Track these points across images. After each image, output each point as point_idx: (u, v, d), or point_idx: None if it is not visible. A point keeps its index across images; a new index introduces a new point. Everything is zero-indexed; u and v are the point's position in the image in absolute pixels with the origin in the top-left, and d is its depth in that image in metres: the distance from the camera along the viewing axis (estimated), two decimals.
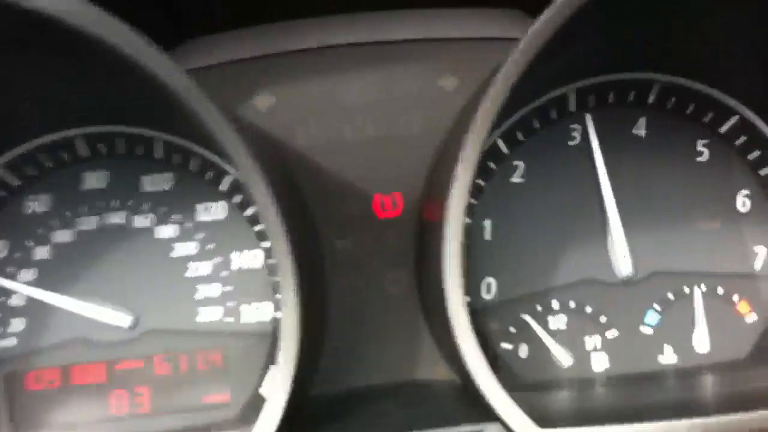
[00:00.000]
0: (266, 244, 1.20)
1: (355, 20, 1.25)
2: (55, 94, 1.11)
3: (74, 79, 1.05)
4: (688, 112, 1.23)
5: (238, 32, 1.23)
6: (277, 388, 0.93)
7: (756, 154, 1.22)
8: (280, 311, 0.97)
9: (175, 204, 1.21)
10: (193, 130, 1.04)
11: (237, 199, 1.21)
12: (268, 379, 1.16)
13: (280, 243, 0.92)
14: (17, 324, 1.19)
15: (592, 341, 1.20)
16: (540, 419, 0.94)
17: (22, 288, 1.19)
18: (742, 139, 1.22)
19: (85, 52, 0.91)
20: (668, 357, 1.20)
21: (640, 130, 1.23)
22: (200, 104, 0.89)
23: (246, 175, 0.92)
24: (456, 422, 0.98)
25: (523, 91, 1.00)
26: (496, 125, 1.18)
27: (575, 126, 1.23)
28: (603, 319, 1.20)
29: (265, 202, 0.92)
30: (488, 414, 0.96)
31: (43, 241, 1.20)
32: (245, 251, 1.21)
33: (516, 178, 1.22)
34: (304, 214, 1.16)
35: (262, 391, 1.17)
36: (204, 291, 1.20)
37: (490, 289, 1.21)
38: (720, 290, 1.20)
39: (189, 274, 1.21)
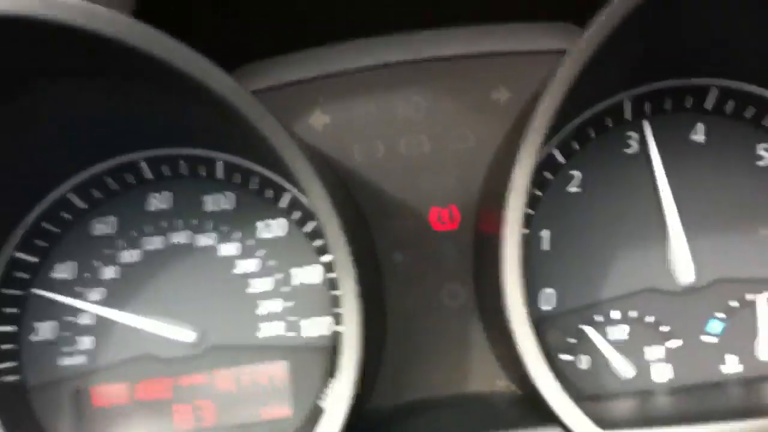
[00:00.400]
0: (325, 259, 1.21)
1: (406, 39, 1.27)
2: (122, 118, 1.15)
3: (141, 104, 1.09)
4: (747, 116, 1.21)
5: (291, 55, 1.26)
6: (336, 400, 0.94)
7: None
8: (340, 325, 0.98)
9: (236, 222, 1.24)
10: (253, 150, 1.08)
11: (296, 215, 1.23)
12: (328, 392, 1.17)
13: (341, 256, 0.94)
14: (86, 342, 1.23)
15: (653, 351, 1.19)
16: (601, 422, 0.94)
17: (90, 307, 1.22)
18: None
19: (154, 77, 0.94)
20: (731, 366, 1.18)
21: (699, 135, 1.22)
22: (265, 123, 0.92)
23: (308, 190, 0.94)
24: (515, 427, 0.99)
25: (578, 99, 1.01)
26: (551, 135, 1.19)
27: (631, 134, 1.22)
28: (664, 328, 1.18)
29: (327, 216, 0.94)
30: (548, 419, 0.96)
31: (110, 261, 1.24)
32: (305, 267, 1.23)
33: (573, 188, 1.22)
34: (362, 229, 1.18)
35: (323, 404, 1.18)
36: (265, 306, 1.23)
37: (549, 300, 1.21)
38: None
39: (251, 290, 1.23)
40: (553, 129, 0.97)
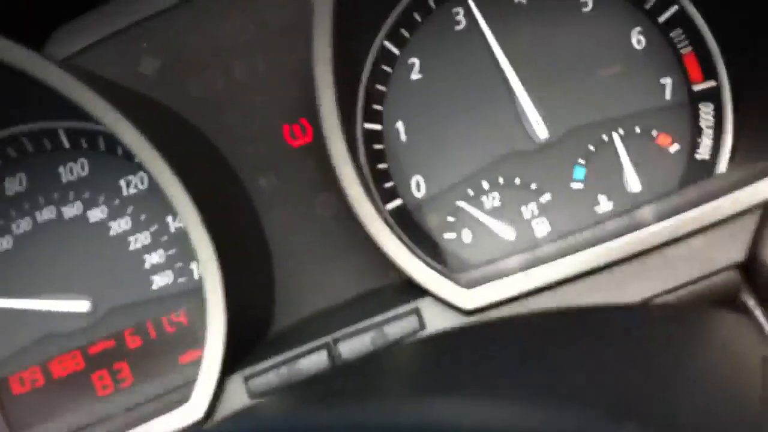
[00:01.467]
0: None
1: None
2: None
3: None
4: None
5: (103, 7, 1.22)
6: (211, 343, 0.97)
7: None
8: None
9: (97, 186, 1.24)
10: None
11: None
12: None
13: (180, 204, 0.95)
14: None
15: (528, 210, 1.21)
16: (470, 283, 0.97)
17: None
18: None
19: None
20: (604, 205, 1.20)
21: None
22: (73, 90, 0.90)
23: (134, 149, 0.93)
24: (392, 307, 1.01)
25: None
26: (374, 28, 1.18)
27: (457, 9, 1.21)
28: (534, 186, 1.21)
29: (153, 164, 0.94)
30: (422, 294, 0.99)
31: None
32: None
33: (414, 75, 1.22)
34: (210, 165, 1.18)
35: None
36: (150, 259, 1.24)
37: (419, 186, 1.22)
38: (637, 129, 1.20)
39: (131, 247, 1.23)
40: (368, 20, 0.96)
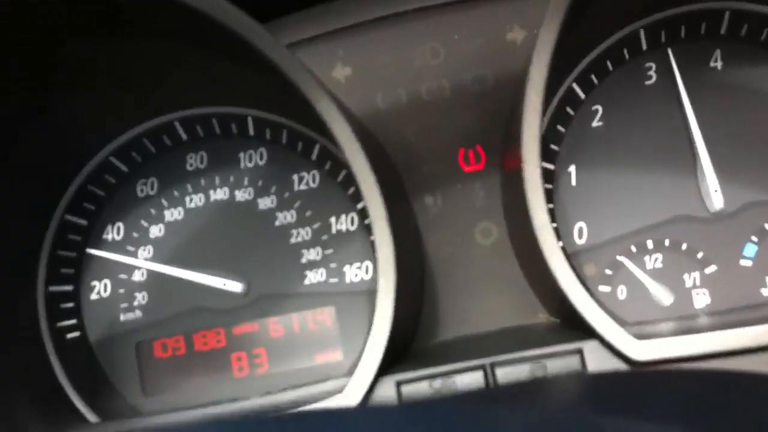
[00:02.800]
0: (360, 206, 1.25)
1: None
2: (152, 79, 1.19)
3: (170, 64, 1.13)
4: (762, 38, 1.19)
5: (310, 10, 1.27)
6: (374, 341, 0.97)
7: None
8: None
9: (271, 177, 1.29)
10: (282, 104, 1.10)
11: (327, 166, 1.27)
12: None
13: (374, 202, 0.97)
14: (140, 298, 1.30)
15: (691, 278, 1.19)
16: (638, 336, 0.95)
17: (142, 263, 1.30)
18: None
19: (190, 32, 0.99)
20: None
21: (717, 62, 1.20)
22: (300, 76, 0.94)
23: (340, 138, 0.96)
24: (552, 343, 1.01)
25: (586, 31, 1.00)
26: (567, 69, 1.19)
27: (650, 64, 1.21)
28: (700, 255, 1.19)
29: (358, 163, 0.97)
30: (587, 336, 0.98)
31: (156, 220, 1.31)
32: (342, 215, 1.27)
33: (595, 123, 1.22)
34: (392, 175, 1.20)
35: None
36: (307, 255, 1.27)
37: (582, 233, 1.22)
38: None
39: (292, 240, 1.28)
40: (563, 62, 0.97)
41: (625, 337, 0.93)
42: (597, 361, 0.95)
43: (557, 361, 0.95)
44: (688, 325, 1.11)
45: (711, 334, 0.92)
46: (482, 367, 0.97)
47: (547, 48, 0.95)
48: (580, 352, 0.96)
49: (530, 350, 0.97)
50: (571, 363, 0.95)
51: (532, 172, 0.96)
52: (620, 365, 0.93)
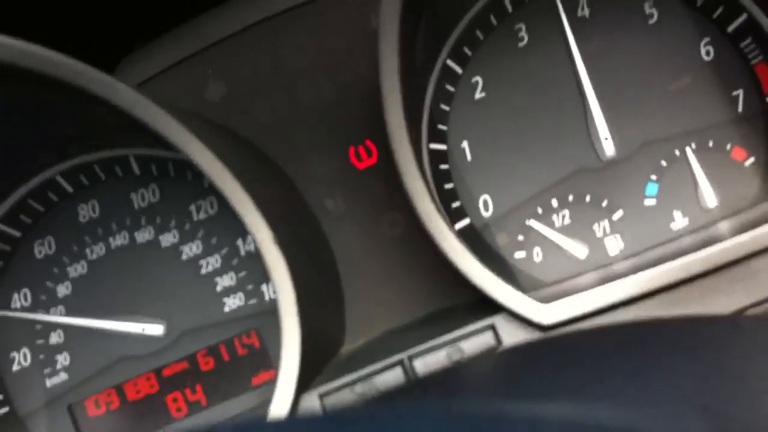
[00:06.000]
0: None
1: None
2: (21, 138, 1.16)
3: (37, 118, 1.09)
4: None
5: (168, 35, 1.25)
6: (287, 361, 0.96)
7: None
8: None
9: (168, 211, 1.26)
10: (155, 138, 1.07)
11: None
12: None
13: (254, 223, 0.95)
14: (63, 359, 1.26)
15: (600, 228, 1.20)
16: (548, 298, 0.96)
17: (58, 321, 1.26)
18: None
19: (40, 91, 0.95)
20: (679, 222, 1.18)
21: (585, 10, 1.20)
22: (145, 111, 0.92)
23: (204, 168, 0.94)
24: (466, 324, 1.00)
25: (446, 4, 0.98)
26: (437, 46, 1.18)
27: (519, 26, 1.21)
28: (605, 203, 1.19)
29: (229, 188, 0.94)
30: (496, 310, 0.98)
31: (61, 278, 1.27)
32: (247, 236, 1.24)
33: (478, 94, 1.22)
34: (281, 189, 1.19)
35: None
36: (222, 282, 1.25)
37: (487, 205, 1.22)
38: (710, 143, 1.17)
39: (203, 271, 1.25)
40: (431, 39, 0.95)
41: (530, 304, 0.93)
42: (510, 333, 0.94)
43: (472, 341, 0.94)
44: (605, 274, 1.12)
45: (614, 284, 0.93)
46: (401, 363, 0.96)
47: (392, 27, 0.93)
48: (492, 327, 0.95)
49: (446, 335, 0.97)
50: (486, 340, 0.94)
51: (404, 158, 0.95)
52: (533, 333, 0.93)
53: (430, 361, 0.95)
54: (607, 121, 1.17)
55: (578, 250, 1.20)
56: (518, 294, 0.94)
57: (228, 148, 1.01)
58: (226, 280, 1.25)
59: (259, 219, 0.94)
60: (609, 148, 1.17)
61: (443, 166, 1.22)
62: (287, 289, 0.94)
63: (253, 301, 1.25)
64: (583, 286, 1.04)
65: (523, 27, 1.21)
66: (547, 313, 0.92)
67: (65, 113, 1.07)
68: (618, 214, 1.19)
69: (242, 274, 1.25)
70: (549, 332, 0.94)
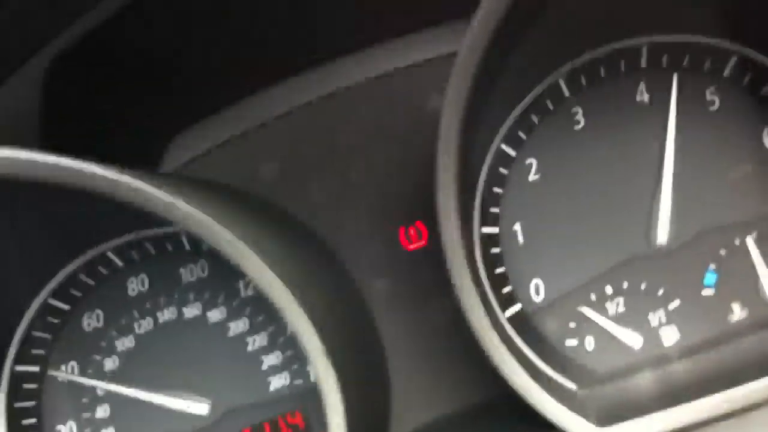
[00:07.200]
0: None
1: (330, 69, 1.26)
2: (77, 216, 1.17)
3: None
4: (685, 65, 1.17)
5: (223, 114, 1.27)
6: None
7: None
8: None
9: (217, 287, 1.26)
10: None
11: None
12: None
13: (297, 320, 0.93)
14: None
15: (656, 317, 1.15)
16: (604, 417, 0.92)
17: (105, 391, 1.25)
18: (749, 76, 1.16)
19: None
20: (738, 313, 1.13)
21: (644, 95, 1.18)
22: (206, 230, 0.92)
23: (265, 290, 0.93)
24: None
25: (502, 91, 0.98)
26: (492, 132, 1.17)
27: (576, 109, 1.19)
28: (661, 291, 1.15)
29: (289, 312, 0.93)
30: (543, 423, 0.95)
31: (108, 352, 1.26)
32: None
33: (532, 177, 1.19)
34: (328, 267, 1.18)
35: None
36: (267, 361, 1.24)
37: (539, 290, 1.19)
38: None
39: (249, 348, 1.24)
40: (486, 125, 0.94)
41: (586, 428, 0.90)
42: None
43: None
44: (663, 376, 1.09)
45: (675, 410, 0.89)
46: None
47: (453, 111, 0.91)
48: None
49: None
50: None
51: (452, 248, 0.92)
52: None
53: None
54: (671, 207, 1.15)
55: (633, 339, 1.16)
56: (570, 414, 0.91)
57: (281, 245, 1.00)
58: (272, 359, 1.24)
59: (312, 333, 0.93)
60: (666, 235, 1.14)
61: (495, 250, 1.19)
62: (330, 378, 0.92)
63: (298, 381, 1.23)
64: (640, 389, 1.02)
65: (580, 111, 1.19)
66: None
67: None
68: (674, 304, 1.15)
69: (288, 353, 1.23)
70: None
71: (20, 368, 1.25)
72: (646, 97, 1.18)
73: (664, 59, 1.17)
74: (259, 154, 1.25)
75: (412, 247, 1.22)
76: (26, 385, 1.26)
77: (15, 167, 0.89)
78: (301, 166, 1.25)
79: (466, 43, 0.89)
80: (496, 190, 1.20)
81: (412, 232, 1.22)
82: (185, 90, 1.20)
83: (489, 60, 0.90)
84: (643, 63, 1.18)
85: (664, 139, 1.16)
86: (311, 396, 1.22)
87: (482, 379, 1.19)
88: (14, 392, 1.25)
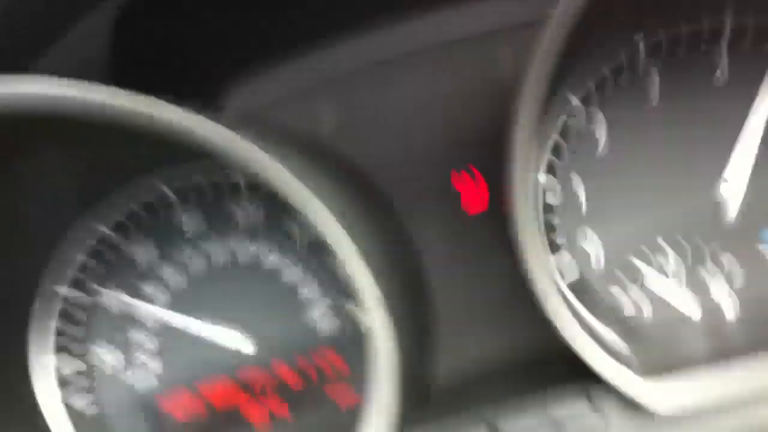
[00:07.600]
0: None
1: (401, 29, 1.25)
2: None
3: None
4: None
5: (290, 64, 1.26)
6: (377, 383, 0.98)
7: None
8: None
9: (272, 231, 1.26)
10: None
11: None
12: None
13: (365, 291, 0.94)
14: (152, 364, 1.28)
15: (718, 288, 1.17)
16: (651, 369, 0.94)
17: (156, 311, 1.27)
18: None
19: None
20: None
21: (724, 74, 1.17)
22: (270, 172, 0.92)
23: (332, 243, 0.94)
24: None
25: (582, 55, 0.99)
26: (564, 101, 1.16)
27: (652, 84, 1.18)
28: (725, 262, 1.17)
29: (350, 262, 0.93)
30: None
31: (159, 286, 1.28)
32: None
33: (599, 148, 1.19)
34: (385, 221, 1.19)
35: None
36: (317, 307, 1.25)
37: (599, 260, 1.20)
38: None
39: (300, 296, 1.26)
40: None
41: (643, 386, 0.90)
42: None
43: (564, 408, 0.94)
44: (715, 334, 1.11)
45: (730, 365, 0.91)
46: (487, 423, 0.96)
47: (540, 74, 0.90)
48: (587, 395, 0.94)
49: (539, 397, 0.96)
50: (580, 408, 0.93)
51: (523, 211, 0.92)
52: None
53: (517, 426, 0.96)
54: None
55: (692, 309, 1.17)
56: (628, 373, 0.92)
57: (335, 180, 1.00)
58: (321, 306, 1.25)
59: (369, 281, 0.93)
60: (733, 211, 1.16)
61: (557, 221, 1.20)
62: (381, 322, 0.94)
63: (345, 328, 1.25)
64: (690, 346, 1.06)
65: (657, 85, 1.18)
66: (659, 401, 0.90)
67: None
68: (737, 276, 1.17)
69: (338, 300, 1.24)
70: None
71: (72, 294, 1.27)
72: (725, 78, 1.17)
73: (747, 41, 1.16)
74: (321, 107, 1.25)
75: (472, 211, 1.23)
76: (76, 314, 1.28)
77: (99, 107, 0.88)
78: (364, 122, 1.25)
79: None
80: (561, 160, 1.20)
81: (473, 196, 1.23)
82: (259, 32, 1.19)
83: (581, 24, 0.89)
84: (725, 44, 1.16)
85: (743, 122, 1.15)
86: (357, 344, 1.22)
87: (532, 339, 1.21)
88: (64, 318, 1.27)
